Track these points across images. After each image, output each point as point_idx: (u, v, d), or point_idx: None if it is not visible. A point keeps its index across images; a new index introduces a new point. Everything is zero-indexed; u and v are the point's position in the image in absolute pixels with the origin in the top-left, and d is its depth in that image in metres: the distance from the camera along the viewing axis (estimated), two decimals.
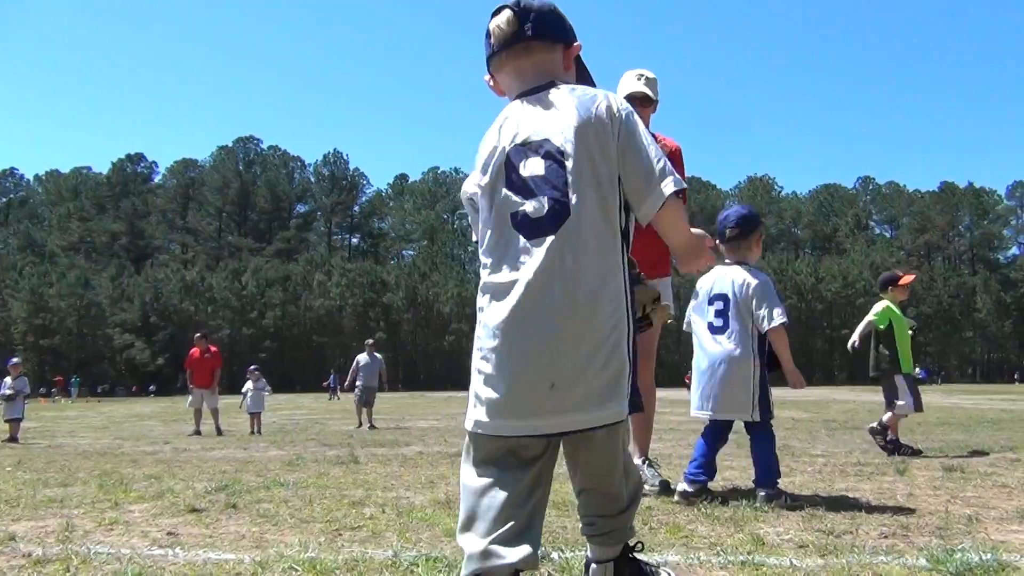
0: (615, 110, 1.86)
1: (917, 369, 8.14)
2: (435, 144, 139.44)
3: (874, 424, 6.98)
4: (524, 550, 1.73)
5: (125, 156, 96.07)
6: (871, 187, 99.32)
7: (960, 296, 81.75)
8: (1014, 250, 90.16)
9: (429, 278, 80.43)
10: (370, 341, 16.87)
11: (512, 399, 1.77)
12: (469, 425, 1.86)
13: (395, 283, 79.43)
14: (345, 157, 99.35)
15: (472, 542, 1.76)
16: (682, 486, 3.87)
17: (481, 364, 1.84)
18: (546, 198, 1.80)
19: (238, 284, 76.11)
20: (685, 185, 1.96)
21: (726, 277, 4.06)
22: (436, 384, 66.53)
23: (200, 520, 3.49)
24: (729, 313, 3.98)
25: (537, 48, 1.93)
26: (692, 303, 4.24)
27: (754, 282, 3.99)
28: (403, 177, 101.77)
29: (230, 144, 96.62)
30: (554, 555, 2.64)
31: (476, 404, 1.85)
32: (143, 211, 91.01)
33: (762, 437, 3.95)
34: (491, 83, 2.06)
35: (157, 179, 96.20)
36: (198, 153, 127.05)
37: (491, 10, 1.96)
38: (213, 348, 14.76)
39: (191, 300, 73.36)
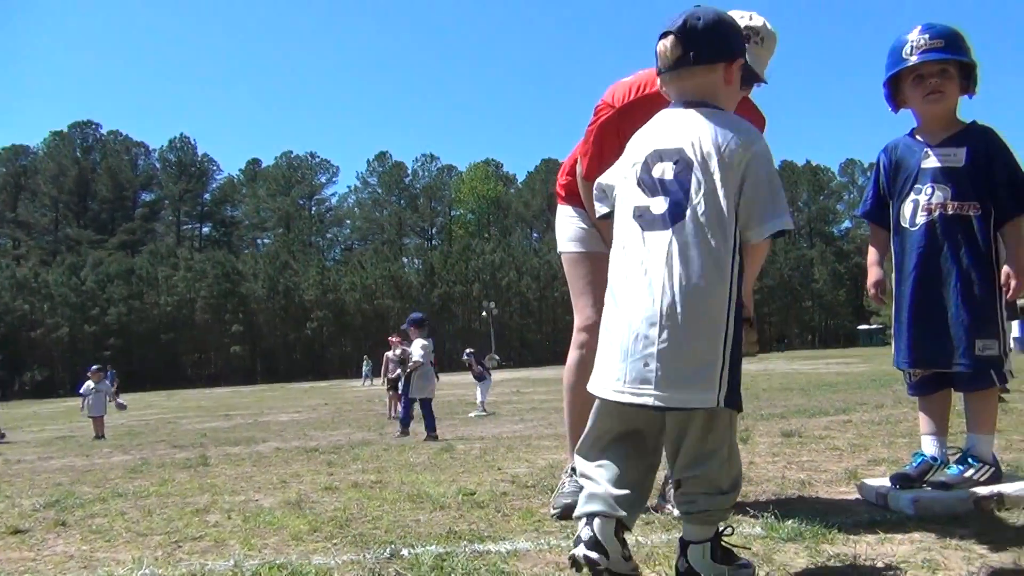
0: (743, 149, 2.03)
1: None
2: (289, 128, 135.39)
3: None
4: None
5: None
6: None
7: (800, 268, 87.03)
8: (846, 223, 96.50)
9: (289, 267, 78.29)
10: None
11: (617, 369, 2.00)
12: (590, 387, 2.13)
13: (252, 273, 76.85)
14: (193, 142, 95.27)
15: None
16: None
17: (603, 333, 2.11)
18: (668, 198, 2.03)
19: (76, 279, 71.55)
20: (791, 227, 2.13)
21: None
22: (297, 375, 64.99)
23: (23, 542, 3.22)
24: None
25: (699, 72, 2.12)
26: None
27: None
28: (255, 162, 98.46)
29: (65, 129, 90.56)
30: (404, 551, 2.59)
31: (596, 367, 2.12)
32: None
33: None
34: (663, 91, 2.25)
35: None
36: (29, 139, 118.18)
37: None
38: None
39: (24, 298, 68.42)
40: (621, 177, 2.17)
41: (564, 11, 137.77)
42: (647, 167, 2.09)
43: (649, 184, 2.07)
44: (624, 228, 2.11)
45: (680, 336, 1.94)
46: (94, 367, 14.40)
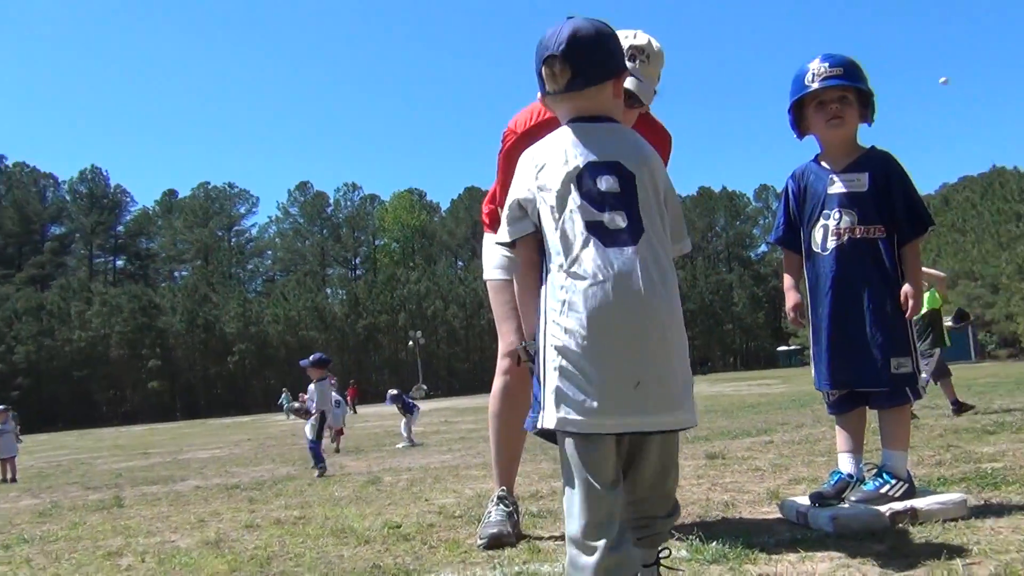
0: (660, 164, 2.09)
1: None
2: (205, 158, 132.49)
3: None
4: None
5: None
6: None
7: (720, 292, 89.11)
8: (763, 247, 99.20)
9: (209, 299, 76.41)
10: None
11: (604, 397, 1.83)
12: (554, 423, 1.87)
13: (170, 306, 74.75)
14: (105, 173, 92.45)
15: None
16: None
17: (566, 361, 1.87)
18: (622, 213, 1.95)
19: None
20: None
21: None
22: (218, 410, 63.23)
23: None
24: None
25: (591, 91, 2.07)
26: None
27: None
28: (171, 193, 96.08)
29: None
30: None
31: (562, 403, 1.86)
32: None
33: None
34: (543, 103, 2.18)
35: None
36: None
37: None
38: None
39: None
40: (549, 192, 2.00)
41: (484, 40, 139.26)
42: (586, 181, 1.98)
43: (597, 198, 1.95)
44: (573, 244, 1.93)
45: (673, 355, 1.90)
46: (0, 406, 13.74)
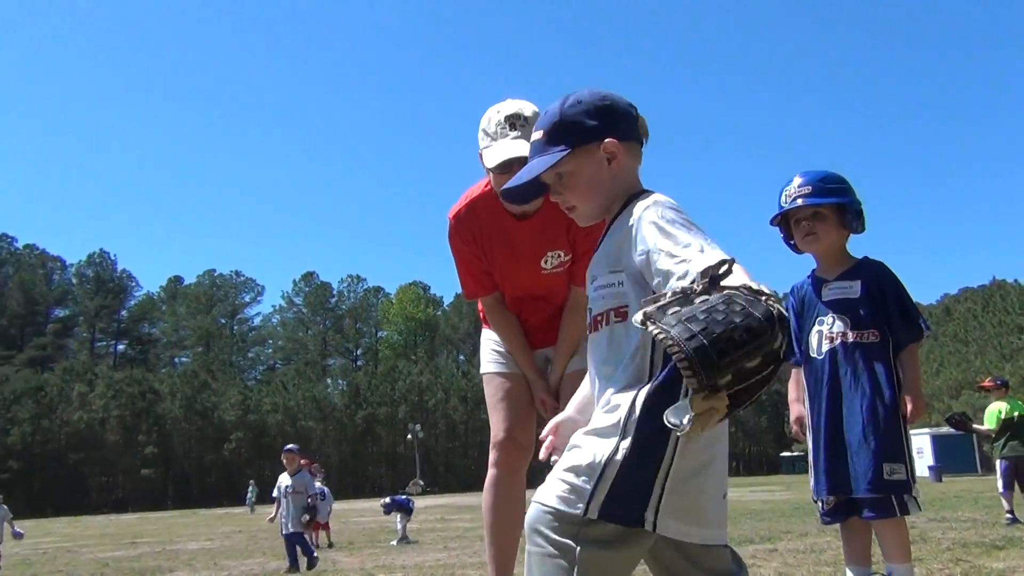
0: None
1: None
2: (213, 245, 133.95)
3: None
4: None
5: None
6: None
7: None
8: None
9: (208, 386, 76.03)
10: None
11: (714, 510, 1.69)
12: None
13: (169, 392, 74.33)
14: (112, 257, 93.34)
15: None
16: None
17: (703, 470, 1.66)
18: None
19: None
20: None
21: None
22: (212, 499, 62.06)
23: None
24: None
25: None
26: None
27: None
28: (177, 280, 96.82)
29: None
30: None
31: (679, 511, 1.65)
32: None
33: None
34: None
35: None
36: None
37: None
38: None
39: None
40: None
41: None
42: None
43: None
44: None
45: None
46: None
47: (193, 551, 12.46)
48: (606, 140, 1.81)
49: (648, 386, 1.63)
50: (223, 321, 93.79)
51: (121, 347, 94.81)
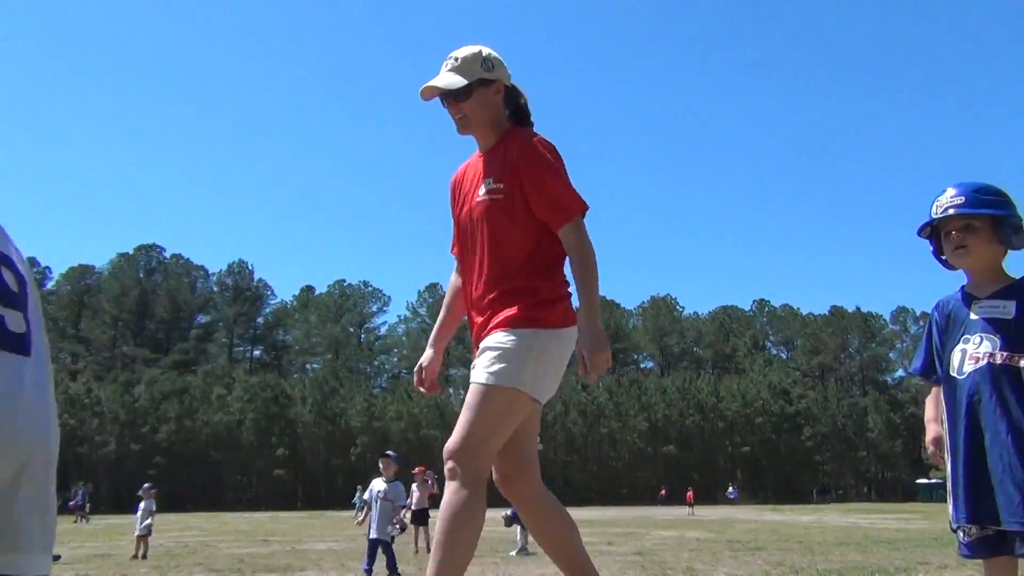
0: None
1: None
2: (342, 256, 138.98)
3: None
4: None
5: None
6: (766, 309, 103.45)
7: (853, 416, 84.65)
8: (900, 372, 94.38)
9: (337, 392, 78.77)
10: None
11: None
12: None
13: (300, 397, 77.46)
14: (250, 267, 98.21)
15: None
16: None
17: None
18: None
19: (129, 396, 72.88)
20: None
21: None
22: (338, 502, 64.12)
23: None
24: None
25: None
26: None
27: None
28: (309, 289, 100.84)
29: (131, 252, 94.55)
30: None
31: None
32: None
33: None
34: None
35: (50, 285, 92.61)
36: (96, 259, 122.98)
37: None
38: None
39: (74, 413, 69.58)
40: None
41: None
42: None
43: None
44: None
45: None
46: (146, 485, 14.51)
47: (321, 551, 12.91)
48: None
49: None
50: (351, 330, 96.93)
51: (257, 353, 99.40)
